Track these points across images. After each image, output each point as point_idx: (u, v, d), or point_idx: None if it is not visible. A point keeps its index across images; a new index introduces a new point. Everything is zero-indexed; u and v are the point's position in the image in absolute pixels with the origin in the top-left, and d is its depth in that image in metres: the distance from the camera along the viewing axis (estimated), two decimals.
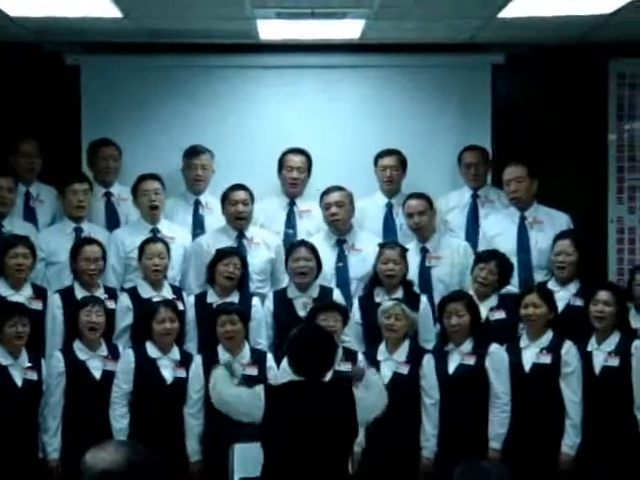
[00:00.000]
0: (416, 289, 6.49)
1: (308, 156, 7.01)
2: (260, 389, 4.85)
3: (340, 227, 6.75)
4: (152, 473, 3.06)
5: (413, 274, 6.58)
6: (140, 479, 3.03)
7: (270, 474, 4.73)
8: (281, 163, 7.01)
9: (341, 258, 6.72)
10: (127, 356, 6.03)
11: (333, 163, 7.08)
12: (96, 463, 3.04)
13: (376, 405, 5.01)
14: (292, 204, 7.02)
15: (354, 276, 6.68)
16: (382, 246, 6.51)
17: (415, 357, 6.00)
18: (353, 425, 4.77)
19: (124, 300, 6.36)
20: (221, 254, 6.38)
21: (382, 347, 6.05)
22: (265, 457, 4.74)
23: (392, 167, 7.02)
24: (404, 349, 6.02)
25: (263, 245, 6.73)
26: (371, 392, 5.04)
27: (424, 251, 6.69)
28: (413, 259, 6.62)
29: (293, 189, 7.01)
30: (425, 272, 6.65)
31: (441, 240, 6.74)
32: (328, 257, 6.64)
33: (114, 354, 6.08)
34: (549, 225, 6.74)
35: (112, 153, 7.01)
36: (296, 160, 7.00)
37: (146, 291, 6.38)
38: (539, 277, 6.62)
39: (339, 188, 6.76)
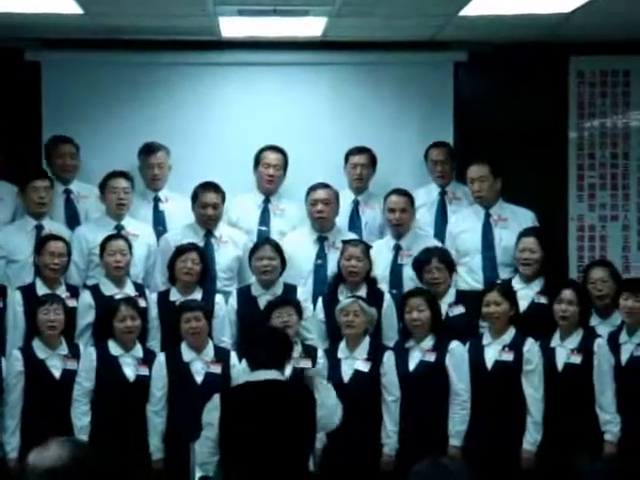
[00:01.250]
0: (383, 286, 6.49)
1: (284, 154, 6.98)
2: (216, 398, 4.85)
3: (324, 225, 6.74)
4: (97, 469, 3.05)
5: (385, 271, 6.59)
6: (85, 475, 3.02)
7: (229, 474, 4.72)
8: (257, 160, 6.98)
9: (320, 255, 6.70)
10: (89, 354, 5.99)
11: (295, 160, 7.04)
12: (41, 461, 3.02)
13: (330, 416, 5.00)
14: (267, 202, 6.99)
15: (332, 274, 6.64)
16: (345, 243, 6.50)
17: (376, 354, 5.99)
18: (312, 425, 4.76)
19: (86, 297, 6.32)
20: (179, 250, 6.36)
21: (342, 345, 6.04)
22: (223, 458, 4.72)
23: (362, 165, 7.02)
24: (364, 346, 6.02)
25: (231, 243, 6.71)
26: (324, 405, 5.00)
27: (397, 248, 6.69)
28: (386, 255, 6.64)
29: (269, 185, 6.98)
30: (397, 269, 6.65)
31: (416, 238, 6.73)
32: (308, 253, 6.66)
33: (75, 353, 6.04)
34: (514, 222, 6.75)
35: (70, 150, 6.96)
36: (272, 157, 6.96)
37: (108, 288, 6.35)
38: (504, 274, 6.64)
39: (326, 185, 6.73)
